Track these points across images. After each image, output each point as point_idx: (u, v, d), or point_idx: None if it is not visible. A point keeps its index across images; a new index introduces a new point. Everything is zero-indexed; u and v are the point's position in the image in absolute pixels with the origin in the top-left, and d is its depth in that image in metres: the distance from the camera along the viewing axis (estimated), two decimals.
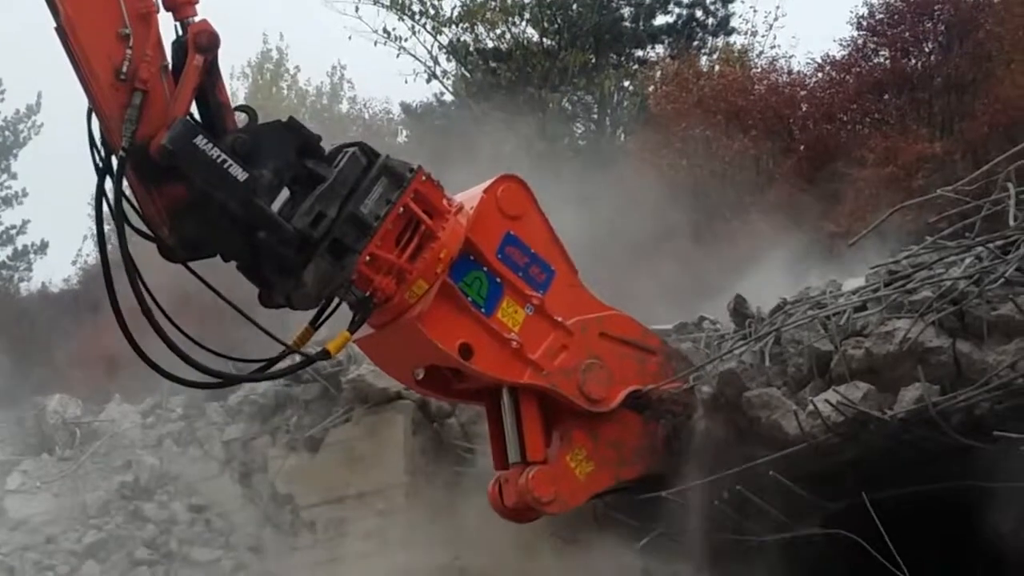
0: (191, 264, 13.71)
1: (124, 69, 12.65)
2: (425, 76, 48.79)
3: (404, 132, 49.66)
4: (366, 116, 52.02)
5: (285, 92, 53.31)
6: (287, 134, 13.56)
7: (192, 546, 17.94)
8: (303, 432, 18.69)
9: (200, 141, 12.76)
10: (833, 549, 14.74)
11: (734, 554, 14.93)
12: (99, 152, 13.13)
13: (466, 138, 29.03)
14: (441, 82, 49.25)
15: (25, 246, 54.63)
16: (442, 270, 13.79)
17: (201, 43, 12.95)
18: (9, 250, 54.66)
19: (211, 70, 13.14)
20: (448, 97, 49.03)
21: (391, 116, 51.47)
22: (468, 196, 14.50)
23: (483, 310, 14.17)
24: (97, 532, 18.01)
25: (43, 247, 54.35)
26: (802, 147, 32.93)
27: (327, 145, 13.91)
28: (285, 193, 13.46)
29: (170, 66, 13.07)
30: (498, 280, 14.28)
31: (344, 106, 54.46)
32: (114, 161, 12.91)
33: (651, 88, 42.21)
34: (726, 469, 14.44)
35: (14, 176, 55.60)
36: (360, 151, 13.76)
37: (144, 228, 13.29)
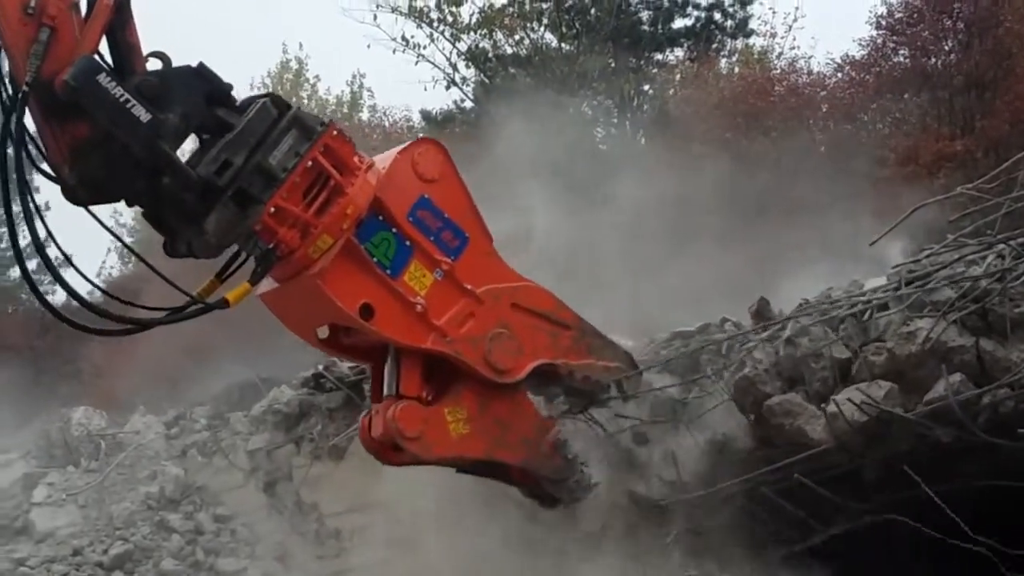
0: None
1: (32, 4, 12.41)
2: (444, 83, 48.93)
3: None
4: (386, 124, 52.11)
5: (305, 101, 53.39)
6: (197, 80, 13.26)
7: (218, 556, 17.93)
8: (327, 441, 18.68)
9: (103, 79, 12.53)
10: (866, 552, 14.75)
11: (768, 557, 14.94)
12: (6, 89, 12.89)
13: (486, 144, 29.03)
14: (460, 89, 49.40)
15: (49, 259, 54.78)
16: (348, 226, 13.50)
17: None
18: (33, 263, 54.72)
19: (121, 9, 12.89)
20: (468, 104, 49.09)
21: (411, 124, 51.54)
22: (383, 156, 14.33)
23: (388, 271, 13.82)
24: (123, 543, 18.01)
25: (67, 260, 54.44)
26: (822, 147, 32.90)
27: None
28: (195, 141, 13.34)
29: (81, 4, 12.83)
30: (407, 243, 13.92)
31: (364, 114, 54.63)
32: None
33: (671, 91, 42.25)
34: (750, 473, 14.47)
35: (37, 190, 55.50)
36: (271, 102, 13.53)
37: (47, 169, 13.25)
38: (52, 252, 13.99)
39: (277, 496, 18.82)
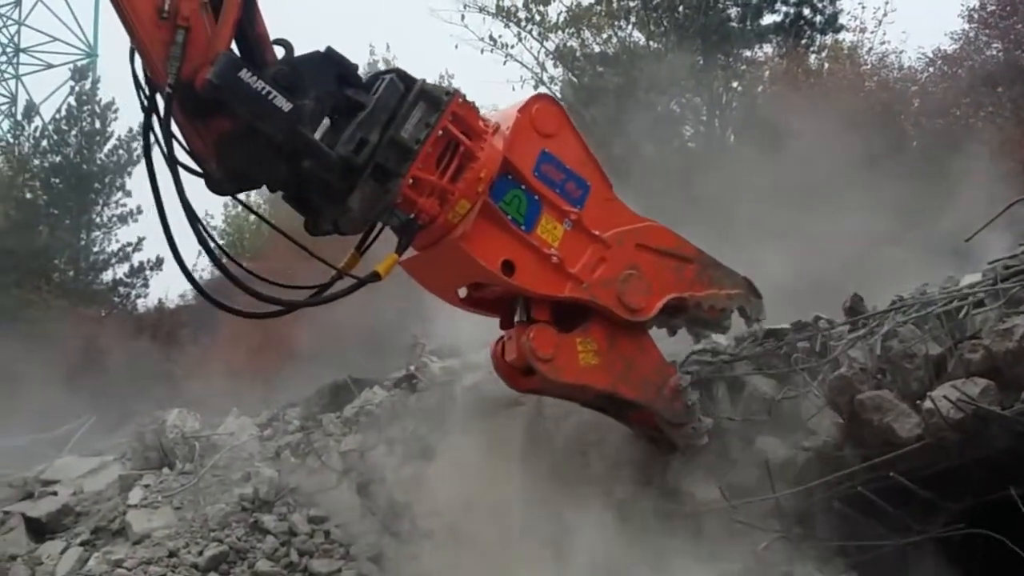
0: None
1: (166, 7, 12.82)
2: (532, 83, 48.84)
3: None
4: None
5: None
6: (327, 64, 13.74)
7: (312, 557, 17.97)
8: (420, 441, 18.69)
9: (244, 74, 12.95)
10: (957, 550, 14.58)
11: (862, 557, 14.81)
12: (144, 91, 13.33)
13: None
14: (548, 88, 49.21)
15: (141, 263, 55.28)
16: (483, 189, 14.03)
17: None
18: (126, 267, 55.34)
19: (249, 3, 13.28)
20: None
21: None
22: (502, 116, 14.72)
23: (523, 227, 14.43)
24: (218, 545, 18.09)
25: (159, 263, 54.94)
26: (915, 143, 32.58)
27: None
28: (326, 122, 13.62)
29: (208, 1, 13.19)
30: (536, 197, 14.53)
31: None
32: (160, 99, 13.15)
33: (760, 88, 41.97)
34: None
35: (128, 194, 56.32)
36: (397, 77, 14.01)
37: (191, 164, 13.48)
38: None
39: (370, 497, 18.84)
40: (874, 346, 14.54)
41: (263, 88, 13.02)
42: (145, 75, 13.33)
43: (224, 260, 14.13)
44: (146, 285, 55.26)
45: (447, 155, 13.97)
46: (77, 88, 57.10)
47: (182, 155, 13.39)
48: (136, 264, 55.22)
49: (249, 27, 13.38)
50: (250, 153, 13.36)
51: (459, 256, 14.19)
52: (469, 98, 14.08)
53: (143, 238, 55.59)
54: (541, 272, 14.58)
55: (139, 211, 55.77)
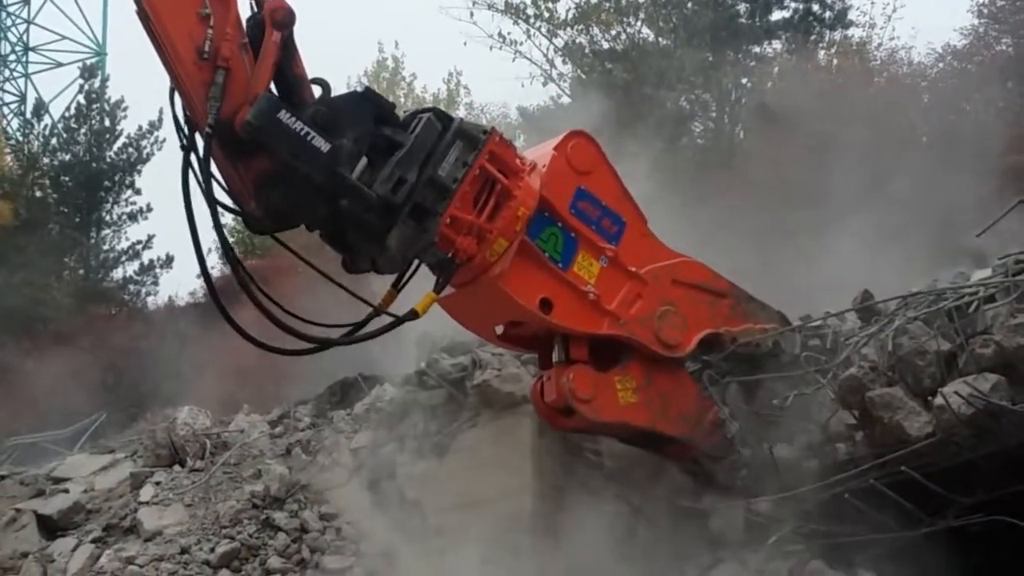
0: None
1: (206, 48, 12.99)
2: (541, 79, 48.84)
3: (522, 136, 49.75)
4: (484, 121, 52.04)
5: (402, 100, 53.53)
6: (364, 103, 13.90)
7: (324, 554, 17.97)
8: (430, 438, 18.68)
9: (283, 115, 13.09)
10: (969, 544, 14.58)
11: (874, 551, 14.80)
12: (183, 130, 13.47)
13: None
14: (557, 85, 49.27)
15: (151, 260, 55.21)
16: (521, 228, 14.15)
17: (278, 19, 13.28)
18: (136, 265, 55.31)
19: (287, 45, 13.41)
20: (565, 100, 48.95)
21: (509, 120, 51.52)
22: (539, 154, 14.85)
23: (560, 264, 14.56)
24: (230, 542, 18.09)
25: (168, 261, 54.89)
26: (924, 138, 32.52)
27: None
28: (364, 161, 13.68)
29: (248, 42, 13.34)
30: (572, 234, 14.65)
31: (461, 112, 54.58)
32: (199, 138, 13.29)
33: (769, 84, 41.91)
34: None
35: (138, 192, 56.24)
36: (435, 116, 14.10)
37: (230, 202, 13.65)
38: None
39: (381, 494, 18.84)
40: (885, 343, 14.52)
41: (302, 129, 13.15)
42: (185, 115, 13.47)
43: (259, 298, 14.06)
44: (156, 283, 55.21)
45: (484, 193, 14.07)
46: (86, 86, 57.05)
47: (220, 194, 13.57)
48: (146, 262, 55.19)
49: (288, 67, 13.52)
50: (289, 193, 13.48)
51: (497, 294, 14.29)
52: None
53: (153, 236, 55.58)
54: (579, 309, 14.71)
55: (149, 209, 55.76)
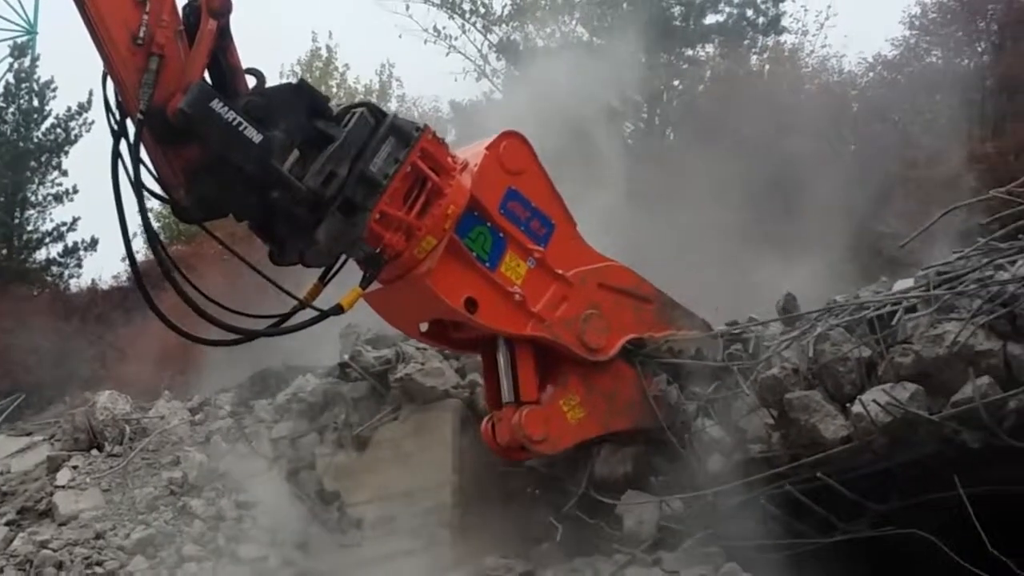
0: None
1: (141, 34, 12.94)
2: (475, 75, 48.82)
3: (453, 131, 49.69)
4: (415, 114, 51.95)
5: (335, 90, 53.33)
6: (298, 95, 13.90)
7: (239, 543, 17.90)
8: (351, 430, 18.67)
9: (216, 104, 13.07)
10: (881, 551, 14.70)
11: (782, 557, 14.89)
12: (114, 116, 13.38)
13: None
14: (491, 81, 49.23)
15: (75, 243, 54.64)
16: (450, 226, 14.17)
17: (214, 8, 13.26)
18: (60, 247, 54.85)
19: (223, 34, 13.40)
20: (497, 95, 48.95)
21: (441, 114, 51.47)
22: (471, 153, 14.86)
23: (487, 264, 14.59)
24: (146, 528, 18.01)
25: (93, 244, 54.35)
26: (853, 147, 32.72)
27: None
28: (295, 153, 13.68)
29: (183, 30, 13.29)
30: (501, 235, 14.69)
31: (393, 104, 54.42)
32: (130, 125, 13.19)
33: (701, 87, 42.04)
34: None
35: (65, 173, 55.63)
36: (368, 111, 14.12)
37: (159, 189, 13.65)
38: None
39: (300, 484, 18.83)
40: (806, 348, 14.64)
41: (234, 119, 13.12)
42: (116, 99, 13.38)
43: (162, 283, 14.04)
44: (80, 265, 54.69)
45: (415, 190, 14.08)
46: (16, 65, 56.51)
47: (149, 181, 13.51)
48: (70, 244, 54.70)
49: (223, 56, 13.49)
50: (219, 182, 13.47)
51: (423, 292, 14.29)
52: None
53: (78, 218, 54.97)
54: (504, 310, 14.74)
55: (75, 191, 55.17)
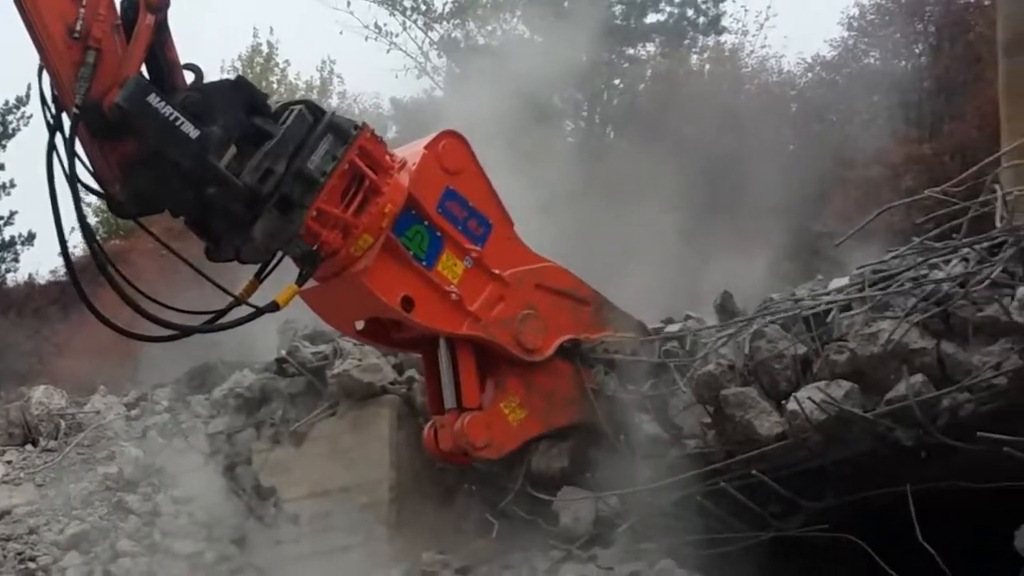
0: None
1: (77, 28, 12.78)
2: (415, 72, 48.83)
3: (394, 127, 49.64)
4: (356, 111, 51.92)
5: (275, 86, 53.25)
6: (236, 92, 13.84)
7: (175, 538, 17.82)
8: (288, 426, 18.63)
9: (153, 99, 12.96)
10: (815, 550, 14.80)
11: (716, 553, 14.95)
12: (50, 110, 13.28)
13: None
14: (432, 78, 49.29)
15: (12, 237, 54.51)
16: (387, 224, 14.12)
17: (152, 3, 13.15)
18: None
19: (161, 28, 13.31)
20: (438, 93, 48.99)
21: (381, 111, 51.44)
22: (410, 152, 14.82)
23: (424, 263, 14.53)
24: (80, 523, 17.92)
25: (30, 238, 54.21)
26: (791, 147, 32.93)
27: None
28: (232, 150, 13.61)
29: (120, 24, 13.19)
30: (438, 234, 14.64)
31: (334, 101, 54.40)
32: (65, 119, 13.09)
33: (641, 86, 42.20)
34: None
35: (1, 167, 55.46)
36: (306, 108, 14.05)
37: (94, 184, 13.55)
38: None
39: (236, 480, 18.76)
40: (742, 345, 14.72)
41: (171, 114, 13.02)
42: (52, 93, 13.27)
43: (91, 279, 14.03)
44: (16, 260, 54.49)
45: (352, 188, 14.01)
46: None
47: (85, 175, 13.43)
48: (7, 238, 54.46)
49: (160, 51, 13.37)
50: (155, 177, 13.36)
51: (359, 290, 14.23)
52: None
53: (15, 212, 54.81)
54: (440, 309, 14.67)
55: (12, 185, 54.98)
